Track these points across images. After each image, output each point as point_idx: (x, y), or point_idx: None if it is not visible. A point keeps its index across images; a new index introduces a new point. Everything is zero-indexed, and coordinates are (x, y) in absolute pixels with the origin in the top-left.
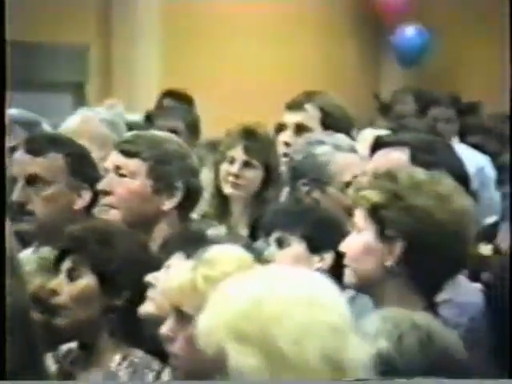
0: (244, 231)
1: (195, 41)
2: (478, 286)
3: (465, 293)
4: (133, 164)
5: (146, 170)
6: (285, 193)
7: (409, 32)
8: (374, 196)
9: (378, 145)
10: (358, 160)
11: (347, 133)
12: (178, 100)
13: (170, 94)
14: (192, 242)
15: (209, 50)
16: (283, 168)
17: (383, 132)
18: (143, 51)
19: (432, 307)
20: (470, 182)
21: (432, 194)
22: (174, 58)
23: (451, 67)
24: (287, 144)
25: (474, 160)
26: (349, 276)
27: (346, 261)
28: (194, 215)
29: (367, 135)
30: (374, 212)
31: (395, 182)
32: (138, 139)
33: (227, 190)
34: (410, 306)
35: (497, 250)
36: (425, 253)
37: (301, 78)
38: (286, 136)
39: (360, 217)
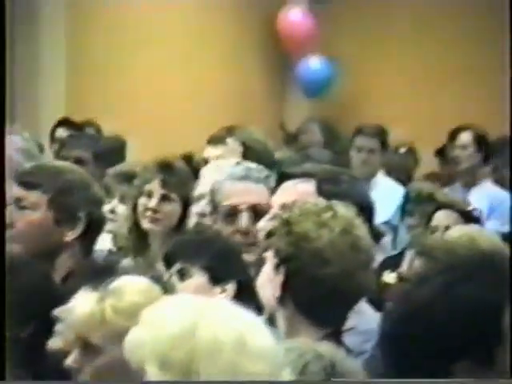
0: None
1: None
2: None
3: (368, 321)
4: (33, 196)
5: (47, 201)
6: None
7: (313, 63)
8: (270, 225)
9: (284, 176)
10: (250, 188)
11: (268, 166)
12: (78, 129)
13: (66, 122)
14: (97, 274)
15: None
16: None
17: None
18: (46, 75)
19: (335, 335)
20: (374, 213)
21: (318, 222)
22: (80, 87)
23: (357, 98)
24: None
25: (398, 192)
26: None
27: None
28: (111, 248)
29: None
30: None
31: (289, 210)
32: (37, 170)
33: (145, 224)
34: (308, 335)
35: (401, 278)
36: (309, 281)
37: (208, 107)
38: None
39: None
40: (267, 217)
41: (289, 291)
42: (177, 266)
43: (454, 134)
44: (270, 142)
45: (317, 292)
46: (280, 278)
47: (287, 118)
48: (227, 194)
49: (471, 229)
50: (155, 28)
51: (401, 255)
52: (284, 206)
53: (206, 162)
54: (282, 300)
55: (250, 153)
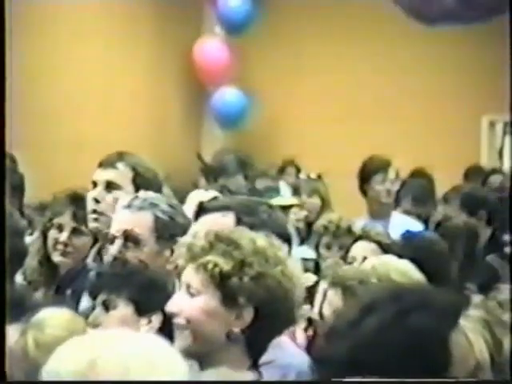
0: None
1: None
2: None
3: (288, 354)
4: None
5: None
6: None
7: (228, 95)
8: (222, 263)
9: (203, 209)
10: (126, 217)
11: (157, 192)
12: None
13: None
14: (14, 306)
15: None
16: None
17: (210, 194)
18: None
19: (256, 367)
20: (292, 243)
21: (274, 259)
22: None
23: (271, 129)
24: (96, 200)
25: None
26: (185, 339)
27: (180, 322)
28: (22, 281)
29: (194, 197)
30: (222, 279)
31: (239, 248)
32: None
33: (56, 258)
34: (237, 367)
35: (320, 314)
36: (272, 318)
37: (125, 134)
38: (95, 192)
39: (198, 280)
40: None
41: (249, 327)
42: (101, 297)
43: (385, 167)
44: (158, 171)
45: (271, 326)
46: (244, 315)
47: (204, 149)
48: (112, 223)
49: (385, 259)
50: (75, 55)
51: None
52: (216, 239)
53: (95, 184)
54: (234, 336)
55: (139, 178)
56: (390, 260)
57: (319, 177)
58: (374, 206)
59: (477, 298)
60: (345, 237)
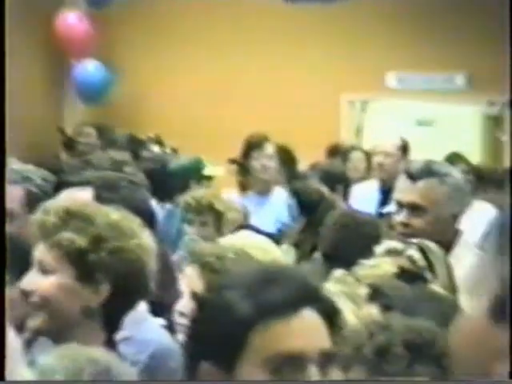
0: None
1: None
2: (160, 321)
3: (146, 330)
4: None
5: None
6: None
7: (89, 68)
8: (78, 240)
9: (63, 184)
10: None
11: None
12: None
13: None
14: None
15: None
16: None
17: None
18: None
19: (111, 344)
20: (154, 219)
21: (129, 232)
22: None
23: (133, 103)
24: None
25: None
26: (39, 317)
27: (34, 301)
28: None
29: None
30: (78, 256)
31: (92, 223)
32: None
33: None
34: (92, 342)
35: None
36: (128, 292)
37: None
38: None
39: (52, 258)
40: None
41: (106, 302)
42: None
43: (257, 144)
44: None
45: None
46: (101, 291)
47: (65, 122)
48: None
49: (244, 235)
50: None
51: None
52: (69, 215)
53: None
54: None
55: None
56: (248, 235)
57: (174, 151)
58: (254, 182)
59: (338, 273)
60: (206, 213)
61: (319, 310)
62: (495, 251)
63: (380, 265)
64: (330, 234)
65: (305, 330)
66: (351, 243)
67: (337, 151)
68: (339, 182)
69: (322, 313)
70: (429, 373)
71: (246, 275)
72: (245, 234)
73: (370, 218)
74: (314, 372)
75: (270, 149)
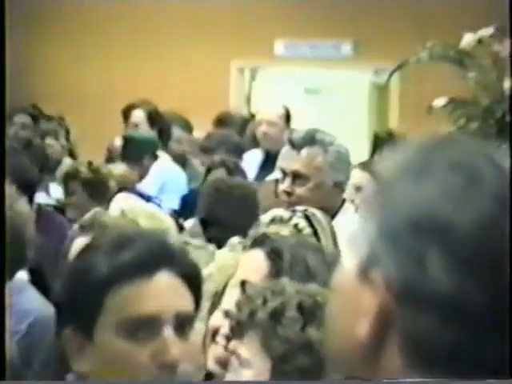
0: None
1: None
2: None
3: (27, 300)
4: None
5: None
6: None
7: None
8: None
9: None
10: None
11: None
12: None
13: None
14: None
15: None
16: None
17: None
18: None
19: None
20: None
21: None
22: None
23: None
24: None
25: None
26: None
27: None
28: None
29: None
30: None
31: None
32: None
33: None
34: None
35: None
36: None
37: None
38: None
39: None
40: None
41: None
42: None
43: (126, 113)
44: None
45: None
46: None
47: None
48: None
49: (133, 203)
50: None
51: None
52: None
53: None
54: None
55: None
56: (138, 203)
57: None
58: None
59: (234, 240)
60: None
61: (177, 271)
62: (369, 215)
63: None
64: (204, 200)
65: (160, 292)
66: (226, 207)
67: (226, 120)
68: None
69: (180, 274)
70: (320, 335)
71: (106, 239)
72: (134, 201)
73: (244, 182)
74: (169, 334)
75: (136, 116)
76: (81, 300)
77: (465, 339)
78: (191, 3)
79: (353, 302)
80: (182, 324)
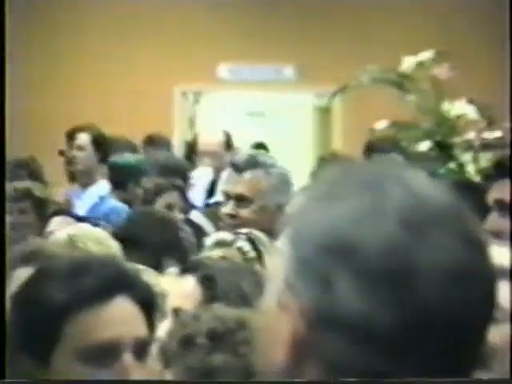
0: None
1: None
2: None
3: None
4: None
5: None
6: None
7: None
8: None
9: None
10: None
11: None
12: None
13: None
14: None
15: None
16: None
17: None
18: None
19: None
20: None
21: None
22: None
23: None
24: None
25: None
26: None
27: None
28: None
29: None
30: None
31: None
32: None
33: None
34: None
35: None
36: None
37: None
38: None
39: None
40: None
41: None
42: None
43: (71, 135)
44: None
45: None
46: None
47: None
48: None
49: (81, 228)
50: None
51: None
52: None
53: None
54: None
55: None
56: (83, 227)
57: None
58: (76, 173)
59: (172, 269)
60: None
61: (133, 296)
62: (284, 242)
63: (210, 257)
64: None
65: (118, 318)
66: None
67: (154, 141)
68: (175, 175)
69: (137, 300)
70: (225, 360)
71: (60, 266)
72: (82, 227)
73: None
74: (129, 359)
75: (81, 140)
76: (38, 328)
77: (377, 360)
78: (136, 27)
79: (272, 328)
80: (141, 349)
